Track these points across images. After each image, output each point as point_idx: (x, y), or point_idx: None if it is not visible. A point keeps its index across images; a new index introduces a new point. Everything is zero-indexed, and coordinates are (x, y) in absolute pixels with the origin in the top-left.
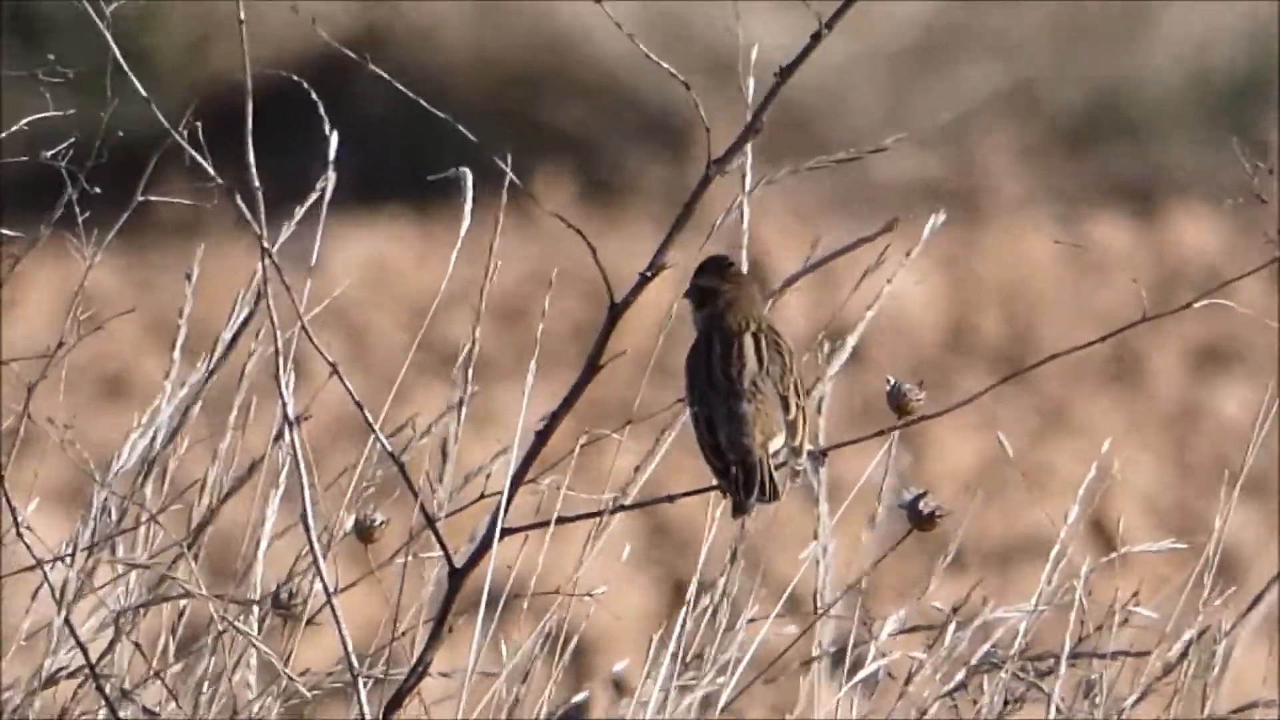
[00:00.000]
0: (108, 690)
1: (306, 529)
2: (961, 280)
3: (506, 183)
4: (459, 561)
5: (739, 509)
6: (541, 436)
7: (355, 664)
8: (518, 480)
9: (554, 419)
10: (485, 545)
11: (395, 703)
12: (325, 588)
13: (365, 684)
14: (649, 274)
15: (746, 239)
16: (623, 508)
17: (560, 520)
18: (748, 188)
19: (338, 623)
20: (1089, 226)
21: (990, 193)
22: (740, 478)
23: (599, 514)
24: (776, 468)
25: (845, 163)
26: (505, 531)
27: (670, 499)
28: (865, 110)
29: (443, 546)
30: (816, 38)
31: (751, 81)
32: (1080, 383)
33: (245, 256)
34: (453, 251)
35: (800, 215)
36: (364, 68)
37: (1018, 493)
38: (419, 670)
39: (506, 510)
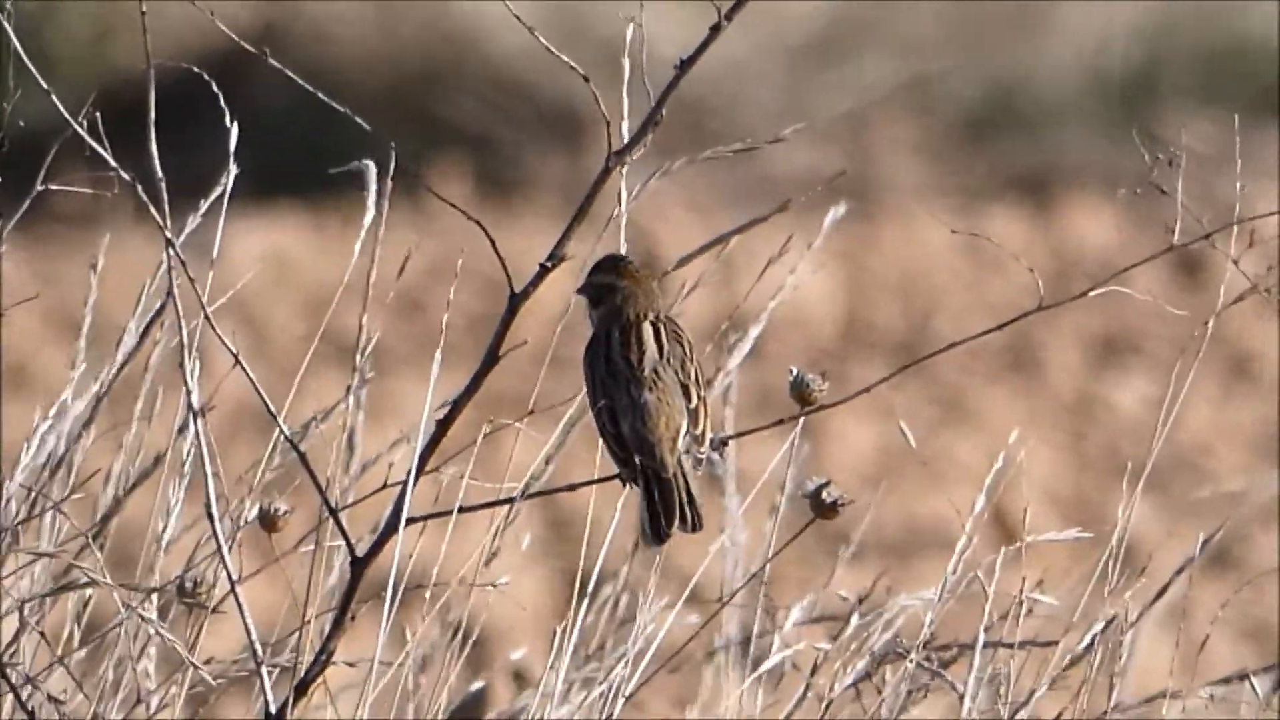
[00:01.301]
0: (13, 678)
1: (210, 518)
2: (858, 272)
3: (402, 173)
4: (361, 551)
5: (657, 537)
6: (443, 425)
7: (259, 652)
8: (420, 469)
9: (455, 407)
10: (387, 534)
11: (300, 691)
12: (229, 576)
13: (270, 673)
14: (549, 264)
15: (624, 226)
16: (529, 495)
17: (466, 509)
18: (642, 179)
19: (241, 611)
20: (985, 219)
21: (886, 185)
22: (657, 500)
23: (506, 501)
24: (689, 488)
25: (742, 154)
26: (409, 520)
27: (572, 488)
28: (761, 104)
29: (345, 536)
30: (716, 29)
31: (646, 77)
32: (977, 373)
33: (143, 250)
34: (352, 244)
35: (696, 209)
36: (261, 66)
37: (916, 483)
38: (323, 659)
39: (408, 499)
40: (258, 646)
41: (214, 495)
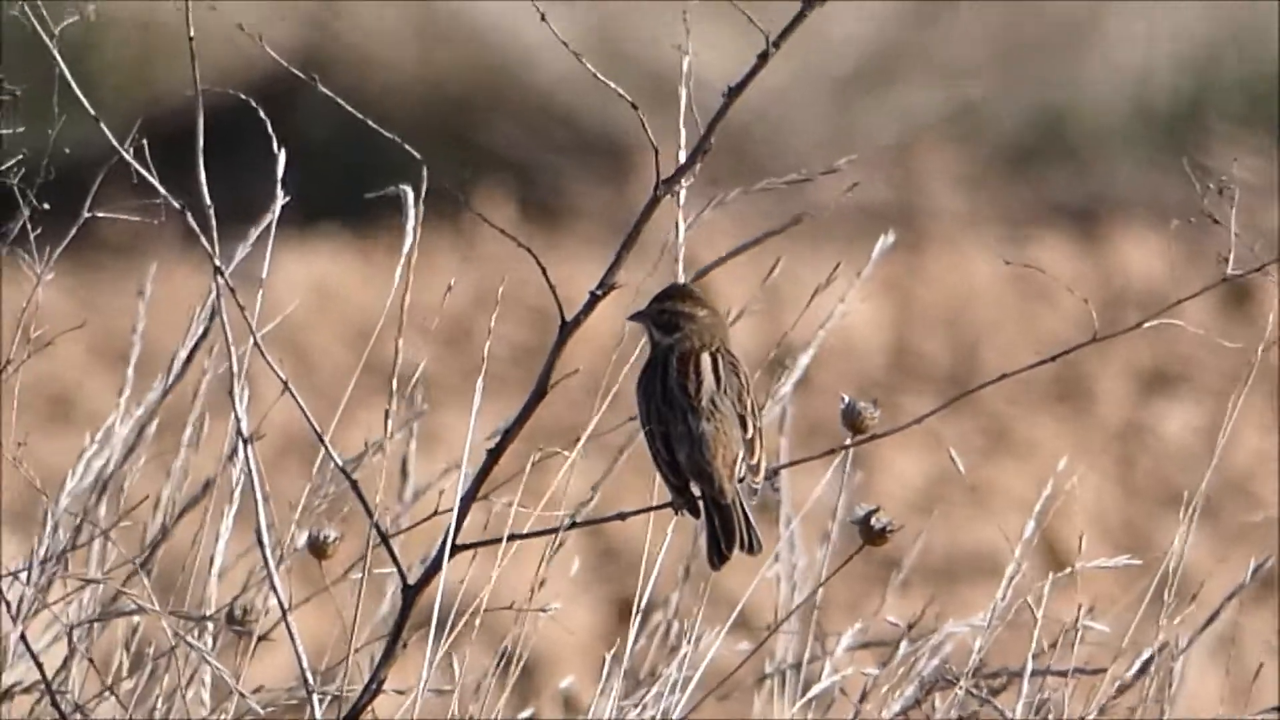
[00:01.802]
0: (62, 706)
1: (261, 545)
2: (905, 302)
3: (445, 197)
4: (413, 578)
5: (717, 559)
6: (494, 454)
7: (310, 680)
8: (470, 497)
9: (506, 436)
10: (439, 562)
11: (350, 719)
12: (280, 603)
13: (320, 701)
14: (600, 292)
15: (682, 256)
16: (576, 525)
17: (515, 537)
18: (692, 209)
19: (292, 639)
20: (1032, 249)
21: (933, 215)
22: (717, 525)
23: (555, 530)
24: (746, 513)
25: (793, 185)
26: (459, 548)
27: (623, 516)
28: (806, 133)
29: (396, 563)
30: (764, 57)
31: (693, 103)
32: (1025, 403)
33: (189, 278)
34: (393, 272)
35: (742, 238)
36: (303, 94)
37: (964, 512)
38: (373, 688)
39: (459, 527)
40: (308, 674)
41: (264, 523)
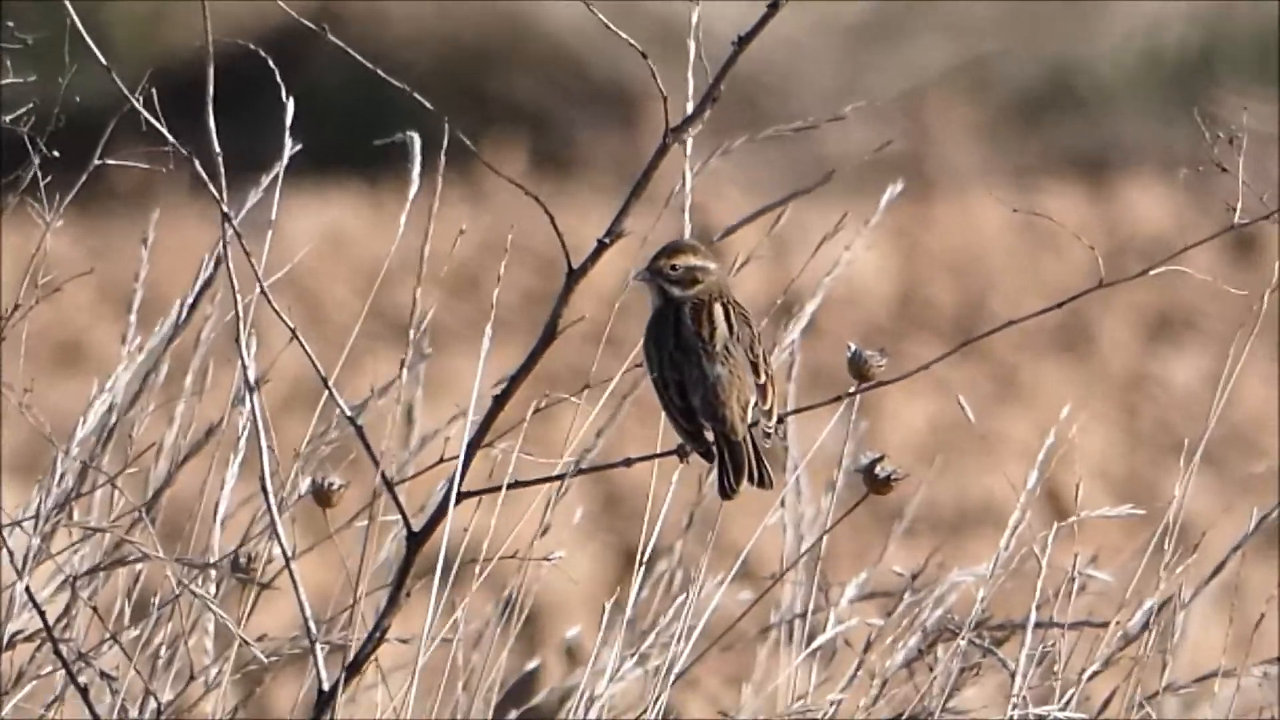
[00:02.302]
0: (65, 654)
1: (265, 492)
2: (913, 251)
3: (452, 148)
4: (417, 526)
5: (725, 492)
6: (499, 400)
7: (313, 630)
8: (475, 444)
9: (513, 382)
10: (443, 509)
11: (353, 669)
12: (284, 551)
13: (323, 650)
14: (607, 240)
15: (689, 205)
16: (581, 471)
17: (519, 484)
18: (701, 158)
19: (296, 587)
20: (1041, 198)
21: (942, 165)
22: (727, 458)
23: (559, 478)
24: (758, 451)
25: (797, 133)
26: (462, 495)
27: (629, 462)
28: (816, 84)
29: (401, 511)
30: (774, 7)
31: (702, 54)
32: (1031, 351)
33: (197, 226)
34: (403, 219)
35: (751, 188)
36: (317, 46)
37: (969, 460)
38: (377, 636)
39: (463, 474)
40: (311, 624)
41: (269, 469)
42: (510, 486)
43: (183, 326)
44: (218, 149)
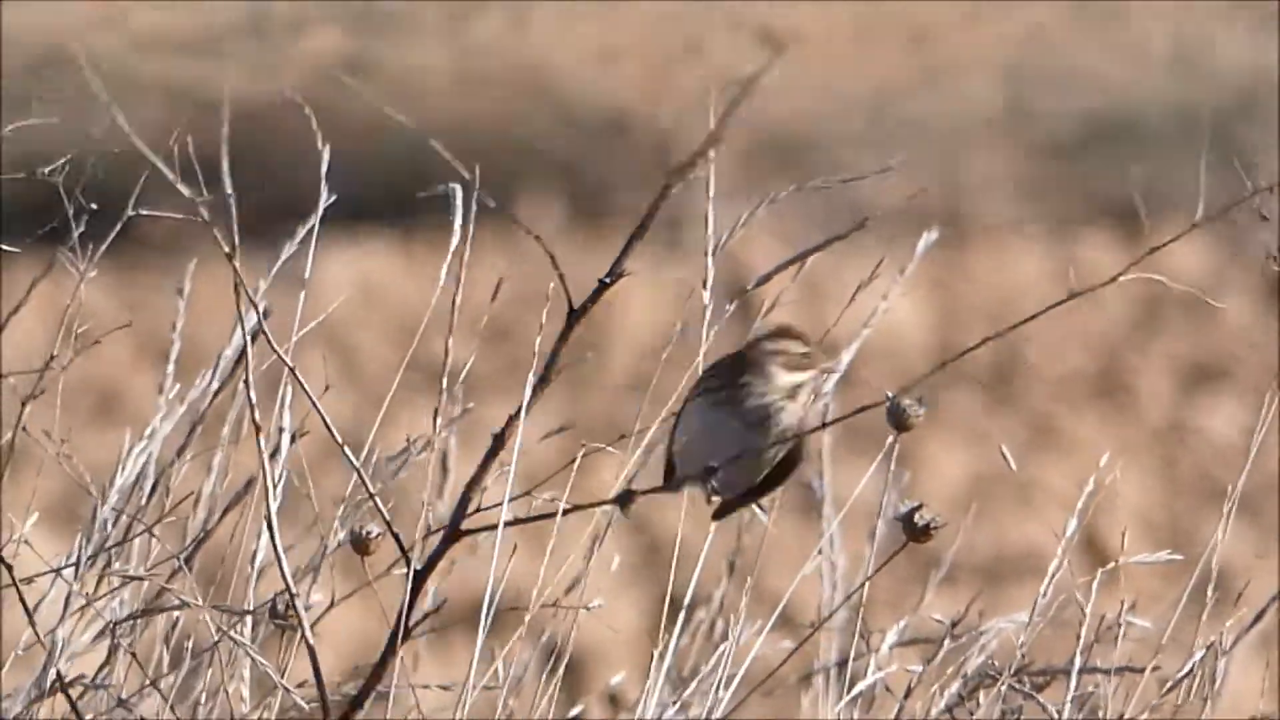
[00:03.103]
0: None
1: (274, 539)
2: (950, 299)
3: (485, 202)
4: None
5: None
6: (499, 439)
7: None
8: (475, 482)
9: (509, 423)
10: (444, 545)
11: (354, 704)
12: (298, 607)
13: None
14: (608, 280)
15: (714, 254)
16: (572, 509)
17: (516, 521)
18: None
19: (307, 633)
20: (1077, 247)
21: (977, 213)
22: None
23: (549, 516)
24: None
25: (845, 183)
26: (464, 533)
27: (625, 500)
28: (849, 131)
29: (401, 547)
30: (779, 53)
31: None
32: (1068, 401)
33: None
34: (437, 269)
35: (785, 238)
36: (351, 92)
37: (1006, 508)
38: (379, 672)
39: (463, 514)
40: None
41: (272, 514)
42: (508, 524)
43: (225, 382)
44: (230, 196)
